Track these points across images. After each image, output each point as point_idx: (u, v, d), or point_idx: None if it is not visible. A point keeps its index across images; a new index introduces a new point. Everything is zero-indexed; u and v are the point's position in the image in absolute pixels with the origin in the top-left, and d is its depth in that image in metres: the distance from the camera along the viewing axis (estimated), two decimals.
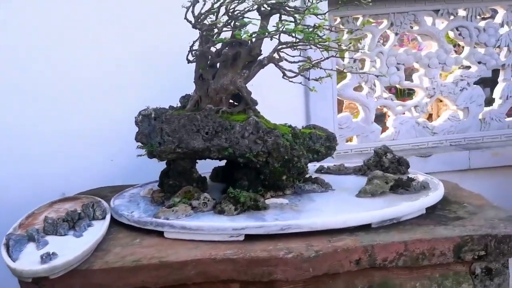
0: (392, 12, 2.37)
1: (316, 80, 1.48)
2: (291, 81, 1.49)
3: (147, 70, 2.01)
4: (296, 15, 1.50)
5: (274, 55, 1.48)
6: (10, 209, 1.65)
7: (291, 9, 1.50)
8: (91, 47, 2.00)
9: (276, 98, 2.01)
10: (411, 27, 2.42)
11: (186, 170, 1.45)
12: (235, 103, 1.54)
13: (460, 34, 2.46)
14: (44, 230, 1.27)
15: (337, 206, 1.36)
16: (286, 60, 1.51)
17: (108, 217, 1.37)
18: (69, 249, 1.13)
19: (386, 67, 2.41)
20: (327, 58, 1.52)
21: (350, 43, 1.72)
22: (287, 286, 1.18)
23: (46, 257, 1.07)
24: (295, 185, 1.49)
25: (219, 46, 1.49)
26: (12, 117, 1.99)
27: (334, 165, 1.81)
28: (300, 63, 1.51)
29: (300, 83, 1.50)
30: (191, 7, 1.45)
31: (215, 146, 1.37)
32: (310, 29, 1.45)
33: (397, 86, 2.51)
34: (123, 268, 1.12)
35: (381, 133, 2.48)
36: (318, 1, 1.52)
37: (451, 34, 2.47)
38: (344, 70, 1.58)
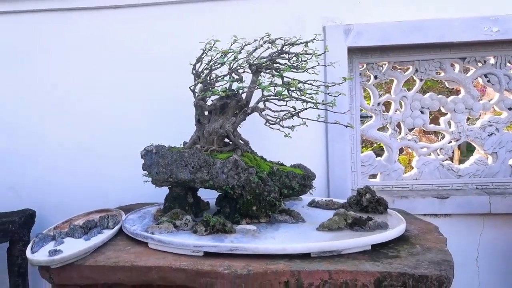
0: (417, 59, 2.51)
1: (289, 128, 1.74)
2: (271, 128, 1.77)
3: (175, 112, 2.41)
4: (281, 72, 1.79)
5: (257, 105, 1.78)
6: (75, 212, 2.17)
7: (277, 68, 1.79)
8: (135, 94, 2.53)
9: (298, 136, 2.26)
10: (438, 73, 2.54)
11: (180, 196, 1.80)
12: (229, 142, 1.87)
13: (489, 81, 2.51)
14: (66, 233, 1.69)
15: (291, 236, 1.61)
16: (270, 109, 1.80)
17: (116, 228, 1.77)
18: (72, 248, 1.54)
19: (410, 111, 2.55)
20: (305, 109, 1.78)
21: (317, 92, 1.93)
22: None
23: (52, 253, 1.49)
24: (270, 214, 1.76)
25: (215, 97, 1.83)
26: (76, 141, 2.58)
27: (325, 200, 2.03)
28: (283, 112, 1.79)
29: (278, 129, 1.77)
30: (194, 65, 1.82)
31: (198, 178, 1.70)
32: (287, 84, 1.73)
33: (422, 128, 2.62)
34: (105, 266, 1.50)
35: (404, 173, 2.60)
36: (305, 60, 1.80)
37: (480, 80, 2.53)
38: (318, 121, 1.80)
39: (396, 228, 1.65)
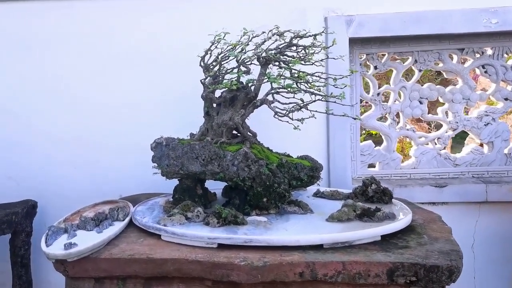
0: (416, 50, 2.54)
1: (299, 120, 1.76)
2: (281, 120, 1.79)
3: (186, 105, 2.40)
4: (291, 64, 1.80)
5: (266, 98, 1.79)
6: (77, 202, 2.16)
7: (285, 60, 1.80)
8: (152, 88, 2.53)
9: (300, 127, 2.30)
10: (436, 64, 2.57)
11: (190, 188, 1.81)
12: (238, 134, 1.88)
13: (486, 72, 2.56)
14: (78, 226, 1.70)
15: (302, 227, 1.64)
16: (279, 101, 1.82)
17: (127, 220, 1.78)
18: (86, 241, 1.55)
19: (409, 101, 2.59)
20: (314, 101, 1.80)
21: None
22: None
23: (68, 246, 1.49)
24: (280, 206, 1.79)
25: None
26: (88, 132, 2.58)
27: (330, 190, 2.06)
28: (291, 105, 1.81)
29: (287, 122, 1.78)
30: (202, 58, 1.82)
31: (209, 171, 1.72)
32: (296, 76, 1.74)
33: (421, 118, 2.66)
34: (121, 259, 1.51)
35: (402, 162, 2.65)
36: (313, 52, 1.82)
37: (477, 71, 2.58)
38: (327, 113, 1.82)
39: (404, 219, 1.69)
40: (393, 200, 1.94)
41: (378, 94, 2.61)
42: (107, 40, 2.53)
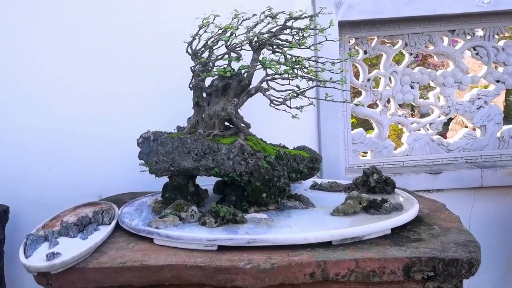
0: (406, 33, 2.45)
1: (297, 108, 1.64)
2: (277, 109, 1.66)
3: (172, 96, 2.24)
4: (286, 49, 1.67)
5: (261, 85, 1.66)
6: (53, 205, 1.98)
7: (280, 43, 1.67)
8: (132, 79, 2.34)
9: (288, 115, 2.18)
10: (426, 47, 2.49)
11: (182, 185, 1.67)
12: (231, 126, 1.74)
13: (477, 54, 2.49)
14: (59, 232, 1.53)
15: (307, 223, 1.52)
16: (274, 89, 1.69)
17: (113, 223, 1.62)
18: (71, 250, 1.39)
19: (400, 86, 2.50)
20: (312, 87, 1.68)
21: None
22: None
23: (50, 256, 1.33)
24: (279, 201, 1.66)
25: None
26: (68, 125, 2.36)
27: (328, 182, 1.95)
28: (287, 92, 1.68)
29: (284, 110, 1.66)
30: (190, 44, 1.67)
31: (203, 166, 1.58)
32: (293, 61, 1.61)
33: (412, 103, 2.58)
34: (111, 268, 1.36)
35: (395, 149, 2.57)
36: (307, 35, 1.69)
37: (468, 53, 2.51)
38: (327, 99, 1.70)
39: (412, 210, 1.59)
40: (395, 189, 1.84)
41: (369, 79, 2.51)
42: (85, 26, 2.33)
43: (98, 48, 2.33)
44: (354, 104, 1.73)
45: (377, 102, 2.53)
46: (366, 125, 4.55)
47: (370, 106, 2.57)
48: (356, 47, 2.48)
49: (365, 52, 2.48)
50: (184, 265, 1.35)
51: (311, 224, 1.51)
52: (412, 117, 4.45)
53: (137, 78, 2.33)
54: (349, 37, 2.45)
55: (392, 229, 1.51)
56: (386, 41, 2.51)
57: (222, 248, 1.42)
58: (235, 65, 1.65)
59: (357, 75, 2.57)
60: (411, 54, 2.50)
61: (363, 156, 2.60)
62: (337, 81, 1.62)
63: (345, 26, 2.38)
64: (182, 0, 2.30)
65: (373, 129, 2.61)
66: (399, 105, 2.53)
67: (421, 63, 5.04)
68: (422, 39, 2.47)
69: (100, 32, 2.33)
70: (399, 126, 2.65)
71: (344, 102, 1.69)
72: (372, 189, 1.82)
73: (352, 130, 2.50)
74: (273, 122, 2.01)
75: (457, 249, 1.37)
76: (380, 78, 2.54)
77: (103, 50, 2.33)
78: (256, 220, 1.56)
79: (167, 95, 2.24)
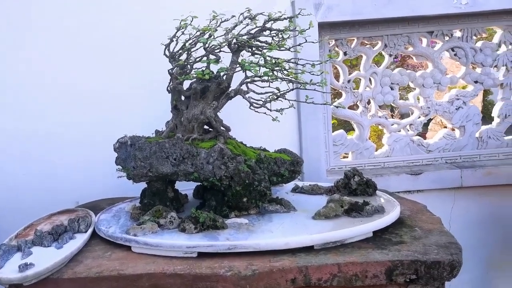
0: (386, 34, 2.45)
1: (278, 111, 1.61)
2: (257, 112, 1.64)
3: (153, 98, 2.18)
4: (265, 51, 1.65)
5: (241, 88, 1.63)
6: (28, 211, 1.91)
7: (259, 45, 1.65)
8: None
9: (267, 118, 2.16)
10: (406, 48, 2.49)
11: (160, 191, 1.63)
12: (210, 129, 1.71)
13: (455, 55, 2.51)
14: (32, 242, 1.48)
15: (289, 228, 1.50)
16: (253, 91, 1.66)
17: (90, 231, 1.58)
18: (45, 260, 1.34)
19: (380, 87, 2.50)
20: (292, 89, 1.66)
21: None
22: None
23: (23, 267, 1.28)
24: (260, 205, 1.64)
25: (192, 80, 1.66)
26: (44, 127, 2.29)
27: (309, 184, 1.93)
28: (267, 94, 1.66)
29: (265, 113, 1.64)
30: (167, 46, 1.63)
31: (182, 171, 1.54)
32: (273, 63, 1.59)
33: (392, 104, 2.58)
34: (87, 278, 1.32)
35: (376, 150, 2.56)
36: (286, 37, 1.67)
37: (447, 54, 2.52)
38: (307, 101, 1.68)
39: (393, 212, 1.59)
40: (377, 191, 1.83)
41: (349, 81, 2.50)
42: (65, 27, 2.27)
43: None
44: (335, 106, 1.70)
45: (358, 103, 2.52)
46: (347, 126, 4.56)
47: (350, 107, 2.57)
48: (336, 49, 2.48)
49: (345, 54, 2.48)
50: (163, 273, 1.31)
51: (292, 228, 1.49)
52: (392, 118, 4.47)
53: (114, 82, 2.28)
54: (329, 39, 2.44)
55: (374, 232, 1.50)
56: (366, 42, 2.51)
57: (202, 255, 1.39)
58: (214, 68, 1.62)
59: (337, 77, 2.56)
60: (390, 55, 2.50)
61: (344, 157, 2.59)
62: (318, 83, 1.60)
63: (324, 27, 2.37)
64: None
65: (354, 130, 2.60)
66: (379, 106, 2.53)
67: (400, 64, 5.08)
68: (401, 40, 2.47)
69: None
70: (380, 127, 2.64)
71: (324, 104, 1.66)
72: (353, 192, 1.81)
73: (333, 131, 2.49)
74: (253, 125, 1.99)
75: (438, 251, 1.36)
76: (360, 80, 2.54)
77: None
78: (236, 225, 1.53)
79: (146, 99, 2.20)
